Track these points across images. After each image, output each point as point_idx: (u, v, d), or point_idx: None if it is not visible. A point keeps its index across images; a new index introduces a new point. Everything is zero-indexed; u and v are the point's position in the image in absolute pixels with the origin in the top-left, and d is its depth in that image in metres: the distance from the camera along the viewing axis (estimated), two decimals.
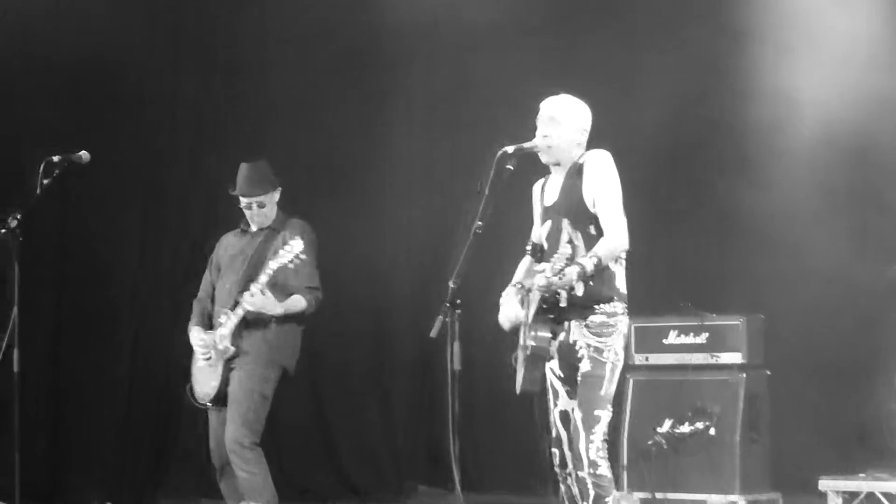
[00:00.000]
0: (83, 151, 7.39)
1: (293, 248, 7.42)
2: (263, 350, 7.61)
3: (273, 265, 7.45)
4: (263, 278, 7.46)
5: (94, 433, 10.00)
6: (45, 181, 7.24)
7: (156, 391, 10.24)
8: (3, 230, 7.07)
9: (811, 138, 9.18)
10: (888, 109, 9.12)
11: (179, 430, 10.19)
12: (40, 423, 9.77)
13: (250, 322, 7.58)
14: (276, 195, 7.84)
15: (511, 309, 6.41)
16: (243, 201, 7.81)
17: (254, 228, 7.85)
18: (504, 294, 6.49)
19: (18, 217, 7.08)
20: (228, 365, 7.60)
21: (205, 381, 7.68)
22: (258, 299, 7.47)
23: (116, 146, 9.98)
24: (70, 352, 10.06)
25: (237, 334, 7.57)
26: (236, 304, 7.58)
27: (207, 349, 7.63)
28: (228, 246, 7.93)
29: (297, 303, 7.66)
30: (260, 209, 7.79)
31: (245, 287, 7.59)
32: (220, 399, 7.61)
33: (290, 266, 7.44)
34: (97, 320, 10.10)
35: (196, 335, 7.73)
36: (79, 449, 9.97)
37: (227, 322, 7.58)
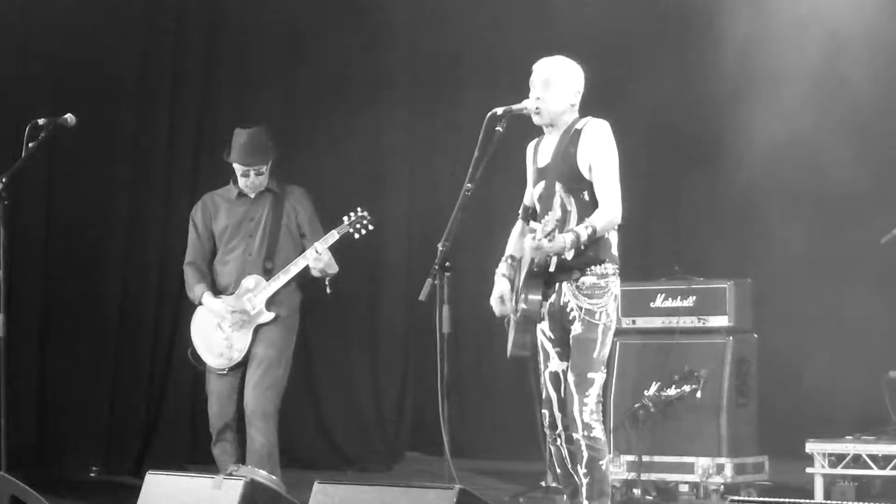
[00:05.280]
0: (69, 114, 7.28)
1: (363, 220, 7.56)
2: (294, 317, 7.63)
3: (337, 233, 7.52)
4: (330, 240, 7.50)
5: (82, 399, 9.93)
6: (31, 144, 7.14)
7: (143, 357, 10.17)
8: None
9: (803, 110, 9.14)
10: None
11: (166, 395, 10.15)
12: (28, 389, 9.71)
13: (281, 289, 7.55)
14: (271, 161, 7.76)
15: (500, 288, 6.38)
16: (240, 169, 7.69)
17: (252, 194, 7.76)
18: (497, 270, 6.43)
19: (3, 181, 6.98)
20: (258, 330, 7.56)
21: (223, 346, 7.57)
22: (326, 257, 7.48)
23: (104, 110, 9.90)
24: (57, 319, 9.99)
25: (270, 300, 7.54)
26: (266, 269, 7.56)
27: (235, 315, 7.57)
28: (227, 211, 7.78)
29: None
30: (257, 177, 7.68)
31: (271, 252, 7.57)
32: (240, 364, 7.57)
33: (356, 236, 7.58)
34: (85, 286, 10.01)
35: (219, 303, 7.61)
36: (66, 415, 9.91)
37: (268, 287, 7.53)
